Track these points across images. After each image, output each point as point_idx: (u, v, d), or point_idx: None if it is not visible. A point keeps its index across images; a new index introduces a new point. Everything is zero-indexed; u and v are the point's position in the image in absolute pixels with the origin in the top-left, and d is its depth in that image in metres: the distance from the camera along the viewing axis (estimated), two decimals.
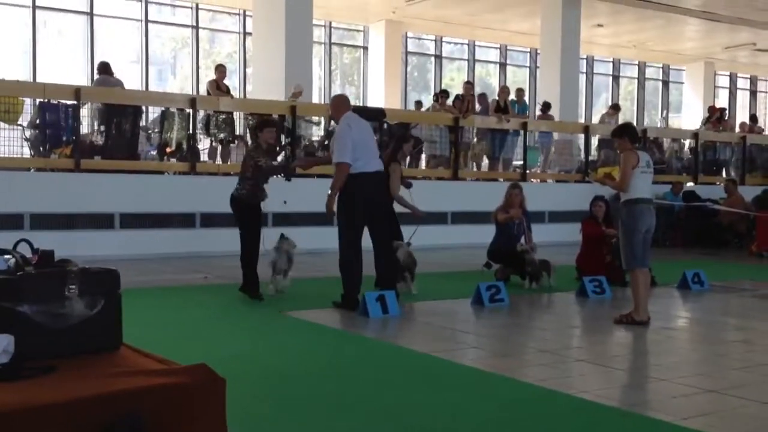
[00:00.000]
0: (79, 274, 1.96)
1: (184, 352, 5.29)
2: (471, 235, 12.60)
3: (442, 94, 15.67)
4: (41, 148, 10.97)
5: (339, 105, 7.41)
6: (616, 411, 4.15)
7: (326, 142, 13.36)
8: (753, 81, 30.54)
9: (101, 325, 1.98)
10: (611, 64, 27.25)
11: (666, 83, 28.68)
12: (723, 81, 29.71)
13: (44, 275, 1.97)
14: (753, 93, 30.64)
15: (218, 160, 12.64)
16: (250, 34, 18.33)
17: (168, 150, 11.96)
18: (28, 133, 11.03)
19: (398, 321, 6.77)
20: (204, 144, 12.63)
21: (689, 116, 27.05)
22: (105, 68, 12.28)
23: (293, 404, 4.17)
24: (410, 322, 6.95)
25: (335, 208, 7.19)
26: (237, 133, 12.84)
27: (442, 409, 4.13)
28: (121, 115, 11.40)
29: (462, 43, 25.13)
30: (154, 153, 11.99)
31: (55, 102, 10.94)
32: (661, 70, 28.51)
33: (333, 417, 3.96)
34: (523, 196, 9.31)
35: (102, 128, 11.39)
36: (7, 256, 2.15)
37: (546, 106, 16.87)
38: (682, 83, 28.82)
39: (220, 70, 13.38)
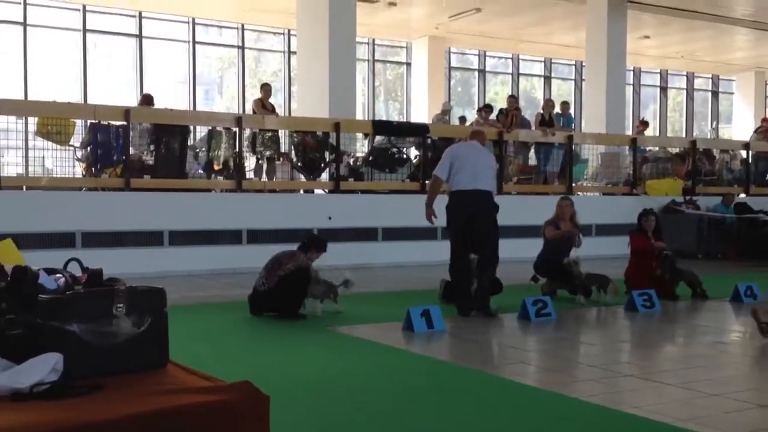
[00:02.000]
0: (126, 292, 2.00)
1: (230, 368, 5.34)
2: (517, 250, 12.51)
3: (485, 109, 15.63)
4: (92, 169, 11.22)
5: (470, 134, 8.56)
6: (668, 427, 4.06)
7: (370, 158, 13.43)
8: None
9: (148, 343, 2.01)
10: (659, 75, 26.90)
11: (715, 93, 28.20)
12: None
13: (92, 294, 2.01)
14: None
15: (263, 178, 12.77)
16: (294, 52, 18.55)
17: (215, 168, 12.14)
18: (79, 154, 11.29)
19: (443, 336, 6.74)
20: (250, 162, 12.78)
21: (740, 127, 26.54)
22: (147, 100, 12.62)
23: (336, 421, 4.16)
24: (455, 337, 6.91)
25: (433, 220, 8.02)
26: (282, 150, 12.98)
27: (487, 425, 4.10)
28: (169, 135, 11.61)
29: (506, 57, 25.07)
30: (201, 171, 12.17)
31: (106, 123, 11.19)
32: (710, 80, 28.05)
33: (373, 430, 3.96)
34: (574, 209, 9.21)
35: (151, 148, 11.61)
36: (57, 276, 2.20)
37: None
38: (732, 93, 28.31)
39: (266, 89, 13.56)
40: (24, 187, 11.18)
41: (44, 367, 1.82)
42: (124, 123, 11.05)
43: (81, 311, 1.95)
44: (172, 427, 1.64)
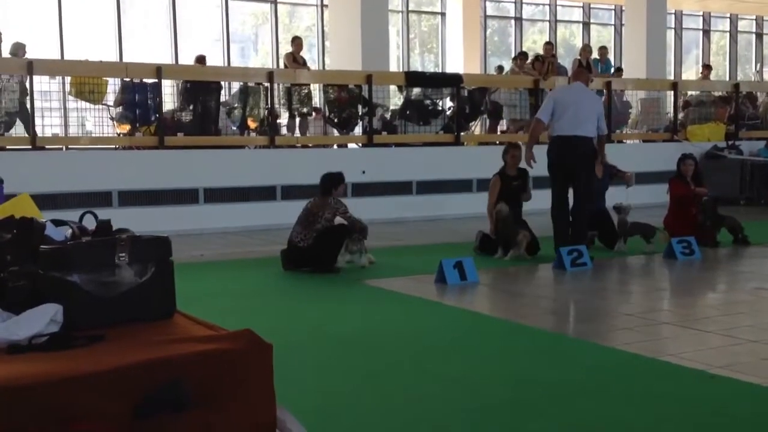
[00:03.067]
0: (129, 242, 1.96)
1: (261, 323, 5.35)
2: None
3: (521, 56, 15.32)
4: (129, 127, 11.28)
5: (572, 75, 8.67)
6: (704, 374, 3.98)
7: (405, 112, 13.26)
8: None
9: (152, 293, 1.98)
10: (701, 18, 26.09)
11: (760, 36, 27.29)
12: None
13: (93, 244, 1.98)
14: None
15: (296, 133, 12.72)
16: (327, 6, 18.29)
17: (251, 126, 12.10)
18: (113, 113, 11.33)
19: (477, 288, 6.68)
20: (283, 117, 12.72)
21: None
22: (201, 61, 12.80)
23: (366, 371, 4.15)
24: (489, 288, 6.85)
25: (532, 164, 7.95)
26: (315, 105, 12.89)
27: (522, 375, 4.05)
28: (203, 92, 11.58)
29: (543, 4, 24.48)
30: (235, 128, 12.15)
31: (138, 81, 11.20)
32: (754, 22, 27.13)
33: (409, 384, 3.93)
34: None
35: (185, 105, 11.60)
36: (65, 227, 2.17)
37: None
38: None
39: (297, 42, 13.41)
40: (64, 148, 11.28)
41: (43, 319, 1.79)
42: (156, 80, 11.04)
43: (82, 261, 1.91)
44: (170, 376, 1.61)
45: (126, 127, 11.36)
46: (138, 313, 1.97)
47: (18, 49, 11.66)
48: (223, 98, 12.10)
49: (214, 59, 19.31)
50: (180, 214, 10.65)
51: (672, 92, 15.53)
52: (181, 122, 11.51)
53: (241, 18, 21.38)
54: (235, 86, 12.39)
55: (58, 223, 2.18)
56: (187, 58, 17.40)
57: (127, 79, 11.12)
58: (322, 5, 20.83)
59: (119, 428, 1.53)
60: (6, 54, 11.56)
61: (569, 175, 7.71)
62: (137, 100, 11.20)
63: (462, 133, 13.51)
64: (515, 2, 24.07)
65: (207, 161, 11.06)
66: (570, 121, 7.64)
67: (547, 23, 24.64)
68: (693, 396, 3.67)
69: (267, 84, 11.87)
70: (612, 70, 16.27)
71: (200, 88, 11.56)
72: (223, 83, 12.14)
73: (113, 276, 1.93)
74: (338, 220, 7.51)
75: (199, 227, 10.59)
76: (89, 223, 2.34)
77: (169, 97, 11.62)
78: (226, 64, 19.14)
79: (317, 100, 12.88)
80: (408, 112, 13.22)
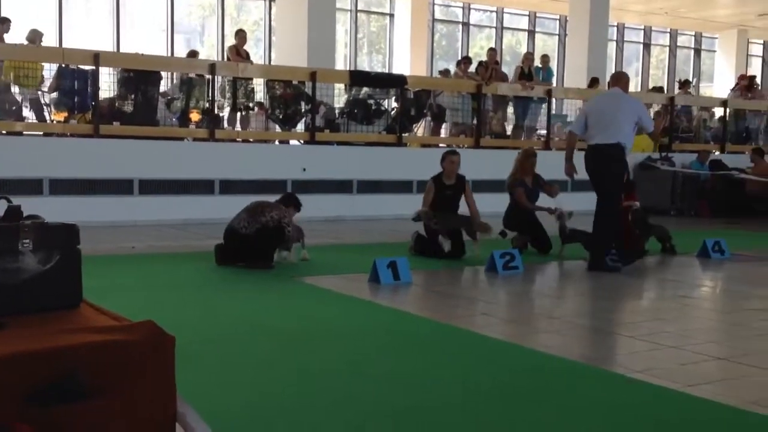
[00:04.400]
0: (34, 228, 1.91)
1: (188, 315, 5.30)
2: (493, 203, 12.48)
3: (464, 61, 15.45)
4: (66, 114, 11.04)
5: (612, 80, 8.50)
6: (622, 378, 4.07)
7: (355, 110, 13.23)
8: None
9: (57, 282, 1.93)
10: (642, 31, 26.70)
11: (698, 51, 28.06)
12: (756, 49, 29.01)
13: None
14: None
15: (237, 127, 12.61)
16: (275, 1, 18.19)
17: (192, 117, 11.96)
18: (48, 99, 11.07)
19: (409, 288, 6.71)
20: (224, 111, 12.60)
21: (721, 85, 26.48)
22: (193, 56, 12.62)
23: (292, 368, 4.13)
24: (421, 289, 6.89)
25: (573, 175, 8.24)
26: (258, 99, 12.80)
27: (449, 376, 4.07)
28: (143, 82, 11.40)
29: (491, 11, 24.75)
30: (174, 120, 11.99)
31: (74, 67, 10.96)
32: (693, 38, 27.89)
33: (338, 383, 3.92)
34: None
35: (122, 94, 11.39)
36: None
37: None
38: (715, 51, 28.19)
39: (241, 35, 13.30)
40: None
41: None
42: (93, 67, 10.82)
43: None
44: (67, 366, 1.57)
45: (63, 115, 11.12)
46: (42, 302, 1.92)
47: (35, 36, 11.42)
48: (163, 88, 11.93)
49: (158, 49, 19.03)
50: (114, 205, 10.47)
51: None
52: (121, 111, 11.31)
53: (187, 9, 21.09)
54: (177, 77, 12.24)
55: None
56: (129, 47, 17.11)
57: (64, 65, 10.88)
58: (271, 0, 20.70)
59: (8, 417, 1.49)
60: (21, 41, 11.35)
61: (593, 182, 7.96)
62: (76, 88, 10.97)
63: (405, 134, 13.58)
64: (463, 7, 24.28)
65: (143, 152, 10.89)
66: (597, 130, 7.84)
67: (494, 30, 24.91)
68: (610, 399, 3.74)
69: (209, 76, 11.74)
70: (553, 78, 16.52)
71: (140, 77, 11.37)
72: (163, 74, 11.96)
73: (16, 263, 1.88)
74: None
75: (133, 219, 10.43)
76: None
77: (109, 85, 11.41)
78: (170, 54, 18.87)
79: (260, 95, 12.80)
80: (351, 111, 13.23)
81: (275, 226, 7.30)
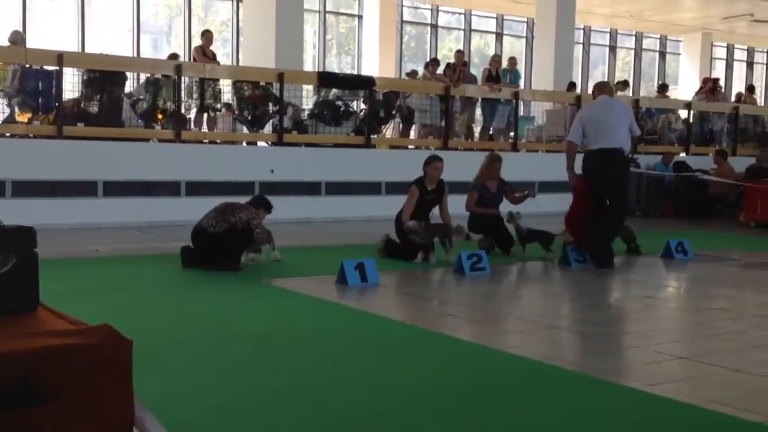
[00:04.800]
0: None
1: (154, 319, 5.25)
2: (461, 205, 12.53)
3: (432, 63, 15.50)
4: (30, 115, 10.88)
5: (596, 89, 8.75)
6: (586, 378, 4.10)
7: (324, 112, 13.18)
8: (750, 52, 30.27)
9: (13, 285, 1.89)
10: (608, 34, 26.99)
11: (663, 54, 28.43)
12: (720, 52, 29.45)
13: None
14: (750, 64, 30.37)
15: (204, 128, 12.52)
16: (242, 1, 18.08)
17: (159, 118, 11.84)
18: (11, 100, 10.90)
19: (377, 290, 6.71)
20: (191, 112, 12.50)
21: (685, 88, 26.85)
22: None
23: (261, 371, 4.11)
24: (389, 290, 6.89)
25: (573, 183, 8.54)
26: (225, 100, 12.72)
27: (417, 378, 4.07)
28: (108, 83, 11.27)
29: (459, 13, 24.85)
30: (140, 121, 11.87)
31: (38, 68, 10.81)
32: (658, 41, 28.25)
33: (305, 385, 3.90)
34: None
35: (87, 95, 11.25)
36: None
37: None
38: (679, 54, 28.58)
39: (207, 36, 13.20)
40: None
41: None
42: (57, 68, 10.68)
43: None
44: (20, 371, 1.55)
45: (26, 116, 10.97)
46: None
47: (17, 37, 11.22)
48: (128, 89, 11.81)
49: (124, 49, 18.83)
50: (78, 207, 10.34)
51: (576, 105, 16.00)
52: (86, 112, 11.17)
53: (154, 9, 20.89)
54: (143, 78, 12.11)
55: None
56: (94, 47, 16.91)
57: (28, 66, 10.73)
58: (238, 0, 20.58)
59: None
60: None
61: (606, 185, 8.15)
62: (40, 88, 10.82)
63: (373, 136, 13.58)
64: (432, 9, 24.35)
65: (108, 153, 10.76)
66: (597, 136, 8.09)
67: (462, 32, 25.01)
68: (574, 399, 3.77)
69: (175, 77, 11.65)
70: (519, 80, 16.63)
71: (105, 78, 11.23)
72: (129, 74, 11.83)
73: None
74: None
75: (98, 221, 10.31)
76: None
77: (74, 85, 11.26)
78: (136, 54, 18.69)
79: (228, 96, 12.72)
80: (320, 113, 13.20)
81: (244, 227, 7.26)
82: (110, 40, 18.18)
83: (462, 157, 14.35)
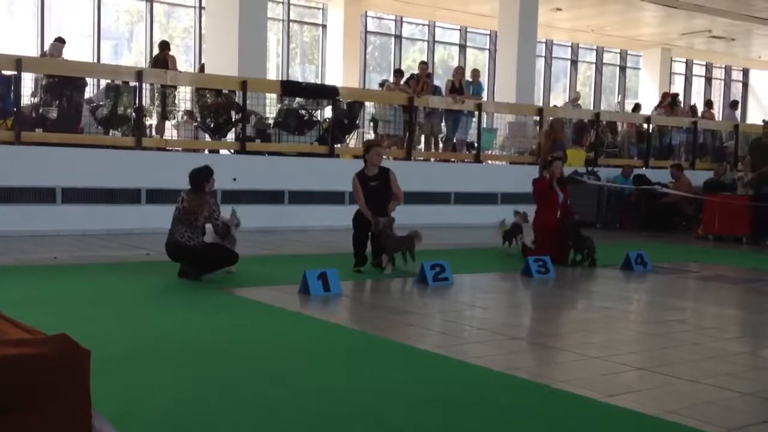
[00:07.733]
0: None
1: (112, 328, 5.17)
2: (428, 215, 12.59)
3: (396, 74, 15.56)
4: None
5: None
6: (546, 388, 4.13)
7: (287, 121, 13.13)
8: (708, 68, 30.88)
9: None
10: (570, 48, 27.34)
11: (623, 69, 28.87)
12: (679, 67, 30.00)
13: None
14: (708, 80, 30.98)
15: (167, 135, 12.40)
16: (205, 8, 17.97)
17: (118, 124, 11.70)
18: None
19: (339, 299, 6.70)
20: (151, 119, 12.37)
21: (645, 102, 27.28)
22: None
23: (221, 381, 4.07)
24: (351, 300, 6.89)
25: None
26: (186, 108, 12.62)
27: (378, 387, 4.07)
28: (68, 88, 11.11)
29: (423, 24, 24.98)
30: (99, 127, 11.71)
31: None
32: (618, 55, 28.69)
33: (265, 394, 3.87)
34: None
35: (45, 100, 11.08)
36: None
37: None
38: (639, 69, 29.04)
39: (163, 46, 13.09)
40: None
41: None
42: (15, 73, 10.51)
43: None
44: None
45: None
46: None
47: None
48: (88, 95, 11.66)
49: (84, 55, 18.59)
50: (35, 214, 10.17)
51: (538, 117, 16.20)
52: (45, 118, 11.00)
53: (115, 14, 20.66)
54: (103, 84, 11.96)
55: None
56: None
57: None
58: (201, 7, 20.45)
59: None
60: None
61: None
62: None
63: (337, 146, 13.57)
64: (396, 20, 24.44)
65: (67, 159, 10.61)
66: None
67: (426, 43, 25.15)
68: (534, 410, 3.80)
69: (136, 83, 11.53)
70: (482, 92, 16.76)
71: (65, 83, 11.08)
72: (89, 80, 11.69)
73: None
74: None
75: (56, 228, 10.15)
76: None
77: (32, 91, 11.09)
78: (96, 60, 18.47)
79: (189, 103, 12.62)
80: (283, 121, 13.15)
81: (215, 225, 7.38)
82: (70, 46, 17.94)
83: (424, 167, 14.46)
